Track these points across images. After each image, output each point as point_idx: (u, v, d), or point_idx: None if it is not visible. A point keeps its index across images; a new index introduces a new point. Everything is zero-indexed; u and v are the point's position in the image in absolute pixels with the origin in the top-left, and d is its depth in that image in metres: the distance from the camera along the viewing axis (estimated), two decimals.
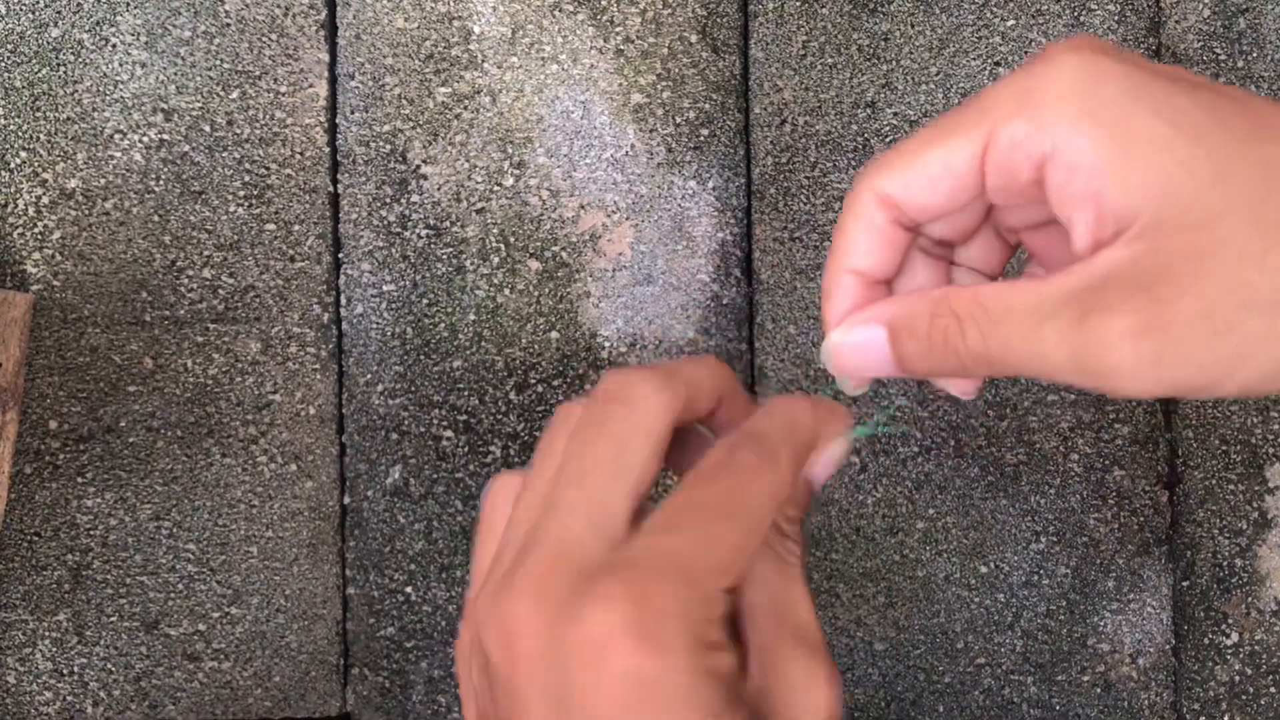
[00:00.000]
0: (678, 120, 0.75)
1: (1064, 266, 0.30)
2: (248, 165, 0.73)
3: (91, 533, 0.73)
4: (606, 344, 0.74)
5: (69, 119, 0.72)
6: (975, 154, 0.28)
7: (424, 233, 0.74)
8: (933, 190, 0.29)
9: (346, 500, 0.74)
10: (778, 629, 0.29)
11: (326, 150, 0.74)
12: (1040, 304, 0.27)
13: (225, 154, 0.73)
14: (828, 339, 0.32)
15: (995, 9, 0.75)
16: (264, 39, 0.73)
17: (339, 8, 0.74)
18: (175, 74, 0.73)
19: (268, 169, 0.73)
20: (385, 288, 0.74)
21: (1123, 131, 0.26)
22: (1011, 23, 0.75)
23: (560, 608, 0.25)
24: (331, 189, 0.74)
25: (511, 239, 0.74)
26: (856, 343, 0.31)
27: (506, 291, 0.74)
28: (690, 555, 0.26)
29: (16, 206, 0.72)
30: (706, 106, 0.75)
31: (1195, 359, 0.26)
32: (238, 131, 0.73)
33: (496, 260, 0.74)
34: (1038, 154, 0.27)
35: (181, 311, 0.73)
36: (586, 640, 0.25)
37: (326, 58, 0.74)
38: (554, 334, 0.74)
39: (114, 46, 0.73)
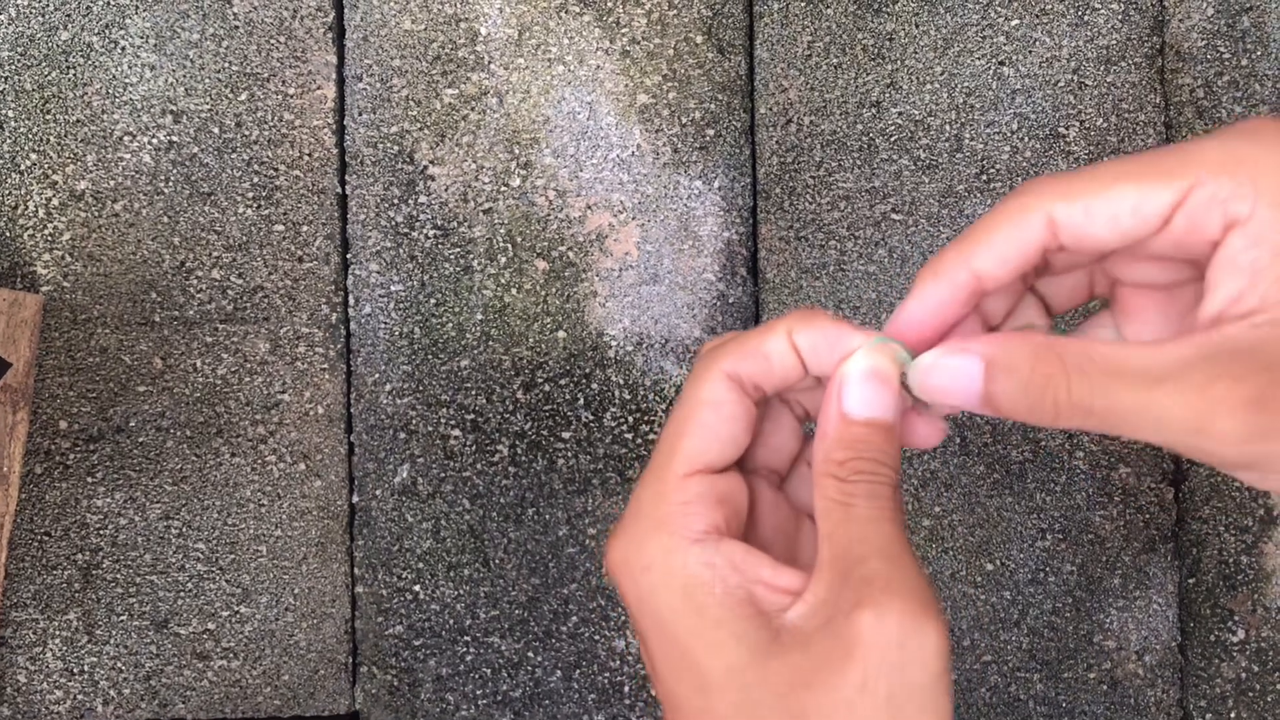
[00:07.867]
0: (683, 120, 0.75)
1: (1150, 329, 0.31)
2: (256, 167, 0.74)
3: (101, 532, 0.73)
4: (613, 343, 0.74)
5: (79, 121, 0.73)
6: (1172, 200, 0.28)
7: (431, 233, 0.74)
8: (1112, 225, 0.29)
9: (355, 499, 0.74)
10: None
11: (334, 152, 0.74)
12: (1157, 366, 0.27)
13: (234, 156, 0.73)
14: (921, 359, 0.31)
15: (999, 8, 0.75)
16: (272, 41, 0.74)
17: (347, 10, 0.74)
18: (184, 76, 0.73)
19: (276, 170, 0.74)
20: (393, 288, 0.74)
21: None
22: (1016, 22, 0.75)
23: None
24: (339, 190, 0.74)
25: (519, 239, 0.74)
26: (949, 367, 0.30)
27: (514, 291, 0.74)
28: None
29: (27, 208, 0.73)
30: (712, 107, 0.75)
31: None
32: (246, 133, 0.73)
33: (504, 260, 0.74)
34: (1233, 215, 0.28)
35: (190, 312, 0.73)
36: None
37: (334, 60, 0.74)
38: (561, 333, 0.74)
39: (123, 49, 0.73)
